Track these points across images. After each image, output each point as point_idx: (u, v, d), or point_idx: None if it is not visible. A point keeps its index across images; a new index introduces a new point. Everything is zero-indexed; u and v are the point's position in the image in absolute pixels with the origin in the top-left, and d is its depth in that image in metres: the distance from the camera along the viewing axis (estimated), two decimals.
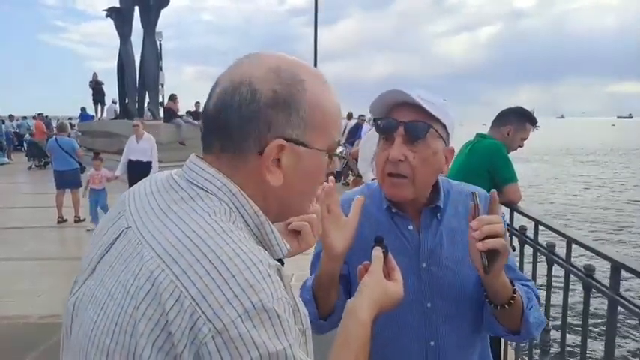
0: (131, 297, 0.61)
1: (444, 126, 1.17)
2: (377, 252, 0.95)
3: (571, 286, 1.99)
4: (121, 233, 0.71)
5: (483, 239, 1.01)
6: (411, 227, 1.23)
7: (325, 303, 1.17)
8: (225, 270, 0.59)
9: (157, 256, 0.62)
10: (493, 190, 1.08)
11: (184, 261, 0.60)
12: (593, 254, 1.74)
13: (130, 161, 7.49)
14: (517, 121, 2.89)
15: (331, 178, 1.11)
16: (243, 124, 0.69)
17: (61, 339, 0.76)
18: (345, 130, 12.03)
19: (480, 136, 2.95)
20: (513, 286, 1.13)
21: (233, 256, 0.61)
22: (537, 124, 2.99)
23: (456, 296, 1.20)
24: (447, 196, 1.26)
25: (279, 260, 0.73)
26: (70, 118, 25.20)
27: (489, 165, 2.69)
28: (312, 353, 0.68)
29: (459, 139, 2.99)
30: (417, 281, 1.20)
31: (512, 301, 1.11)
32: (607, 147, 37.85)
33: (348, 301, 0.89)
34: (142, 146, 7.54)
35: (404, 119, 1.14)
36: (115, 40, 15.32)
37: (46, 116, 19.30)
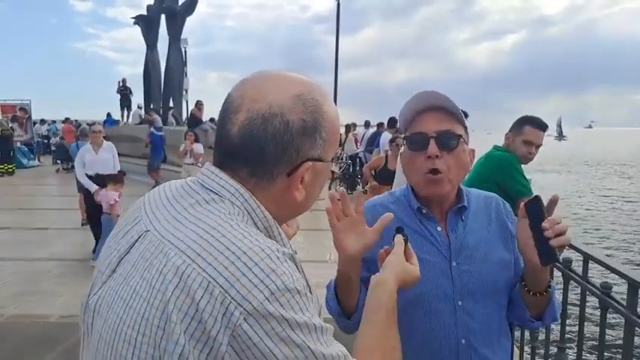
0: (157, 291, 0.66)
1: (465, 127, 1.27)
2: (398, 239, 1.06)
3: (588, 304, 1.94)
4: (140, 236, 0.75)
5: (556, 237, 1.09)
6: (439, 228, 1.29)
7: (346, 302, 1.23)
8: (248, 259, 0.66)
9: (181, 252, 0.67)
10: (556, 194, 1.17)
11: (208, 254, 0.66)
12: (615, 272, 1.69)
13: (88, 177, 6.12)
14: (516, 125, 2.84)
15: (358, 191, 1.17)
16: (277, 152, 0.75)
17: (82, 337, 0.80)
18: (362, 138, 12.04)
19: (494, 147, 2.93)
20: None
21: (252, 246, 0.67)
22: (548, 128, 2.90)
23: (485, 293, 1.25)
24: (467, 198, 1.33)
25: None
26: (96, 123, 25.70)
27: (497, 177, 2.65)
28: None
29: (488, 148, 2.98)
30: (449, 280, 1.25)
31: (549, 289, 1.22)
32: (636, 158, 36.69)
33: (373, 276, 0.97)
34: (103, 157, 6.26)
35: (434, 128, 1.23)
36: (143, 46, 15.70)
37: (76, 120, 19.79)
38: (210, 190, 0.75)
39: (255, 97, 0.75)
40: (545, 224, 1.10)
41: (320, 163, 0.79)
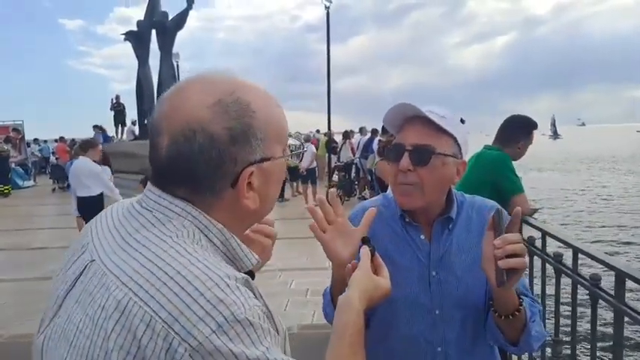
0: (100, 328, 0.61)
1: (455, 139, 1.22)
2: (364, 250, 1.01)
3: (579, 297, 1.98)
4: (85, 267, 0.71)
5: (506, 257, 1.03)
6: (422, 237, 1.28)
7: None
8: (194, 290, 0.60)
9: (122, 285, 0.62)
10: (518, 208, 1.11)
11: (150, 286, 0.61)
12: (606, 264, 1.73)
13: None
14: (527, 134, 2.93)
15: (332, 190, 1.16)
16: (209, 170, 0.69)
17: None
18: (358, 144, 12.11)
19: (486, 147, 2.98)
20: (520, 298, 1.16)
21: (199, 274, 0.62)
22: (537, 128, 3.02)
23: (463, 304, 1.24)
24: (459, 207, 1.31)
25: (250, 273, 0.76)
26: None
27: (493, 176, 2.70)
28: (289, 352, 0.72)
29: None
30: (427, 289, 1.24)
31: (517, 313, 1.14)
32: (631, 155, 36.84)
33: (340, 296, 0.92)
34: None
35: (411, 141, 1.21)
36: (135, 62, 15.73)
37: (72, 139, 19.75)
38: (156, 211, 0.70)
39: (173, 115, 0.70)
40: (496, 241, 1.04)
41: (267, 162, 0.73)
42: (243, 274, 0.68)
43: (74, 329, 0.65)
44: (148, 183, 0.75)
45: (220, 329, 0.59)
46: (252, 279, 0.73)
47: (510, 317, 1.14)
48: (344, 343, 0.84)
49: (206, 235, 0.71)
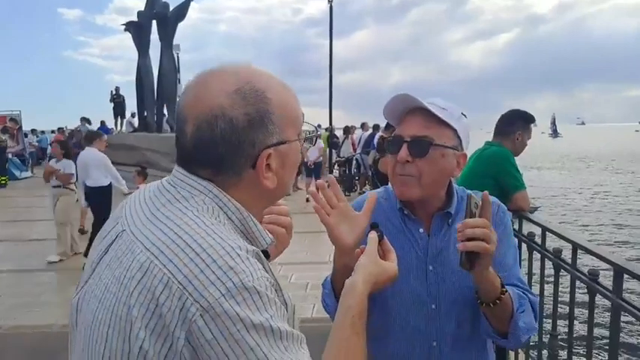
0: (124, 287, 0.69)
1: (456, 131, 1.22)
2: (372, 235, 1.02)
3: (578, 291, 2.00)
4: (117, 236, 0.78)
5: (465, 241, 1.06)
6: (421, 230, 1.28)
7: None
8: (207, 256, 0.67)
9: (146, 250, 0.70)
10: (485, 192, 1.12)
11: (170, 251, 0.68)
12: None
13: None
14: (524, 125, 2.95)
15: (330, 176, 1.17)
16: (230, 152, 0.76)
17: (69, 332, 0.84)
18: (360, 140, 12.14)
19: (487, 143, 3.00)
20: (503, 287, 1.16)
21: (213, 244, 0.69)
22: (535, 122, 3.05)
23: (459, 299, 1.24)
24: (460, 202, 1.30)
25: (266, 253, 0.80)
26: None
27: (495, 172, 2.72)
28: (297, 326, 0.75)
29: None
30: (423, 283, 1.25)
31: (498, 301, 1.15)
32: (630, 154, 36.86)
33: (346, 280, 0.95)
34: None
35: (410, 132, 1.21)
36: (135, 53, 15.66)
37: (73, 129, 19.66)
38: (182, 188, 0.77)
39: (196, 104, 0.77)
40: (458, 225, 1.08)
41: (283, 145, 0.80)
42: (255, 248, 0.74)
43: (103, 288, 0.73)
44: (175, 165, 0.81)
45: (229, 293, 0.65)
46: (267, 259, 0.78)
47: (492, 305, 1.15)
48: (346, 324, 0.87)
49: (225, 213, 0.77)
